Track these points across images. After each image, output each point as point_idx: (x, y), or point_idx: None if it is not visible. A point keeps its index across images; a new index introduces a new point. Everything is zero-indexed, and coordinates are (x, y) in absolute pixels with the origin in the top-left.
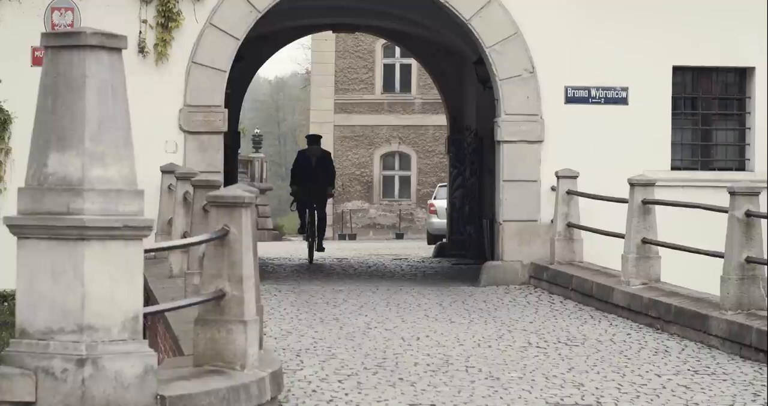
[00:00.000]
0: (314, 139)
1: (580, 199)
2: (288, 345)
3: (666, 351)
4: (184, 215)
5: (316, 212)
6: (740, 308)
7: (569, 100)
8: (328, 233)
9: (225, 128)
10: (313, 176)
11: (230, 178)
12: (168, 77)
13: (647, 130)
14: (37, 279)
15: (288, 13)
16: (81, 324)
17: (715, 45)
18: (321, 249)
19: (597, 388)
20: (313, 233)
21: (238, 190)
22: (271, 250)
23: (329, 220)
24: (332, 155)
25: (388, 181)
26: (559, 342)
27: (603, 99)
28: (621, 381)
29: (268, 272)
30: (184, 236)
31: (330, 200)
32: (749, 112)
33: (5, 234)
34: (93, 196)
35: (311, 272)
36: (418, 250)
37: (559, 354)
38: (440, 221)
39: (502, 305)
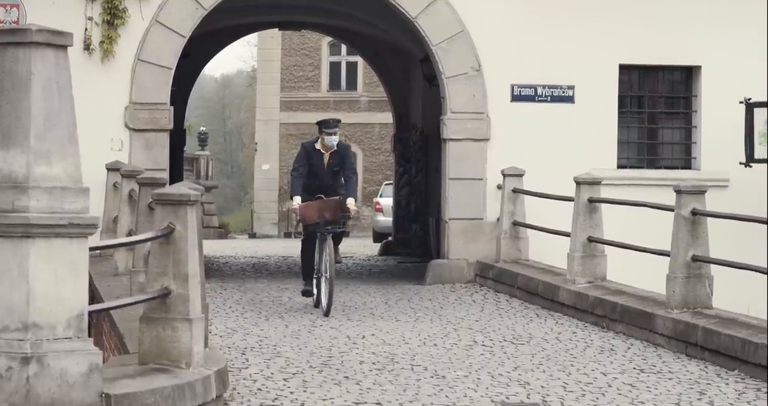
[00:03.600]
0: (335, 124)
1: (526, 197)
2: (233, 343)
3: (612, 350)
4: (129, 213)
5: (328, 242)
6: (686, 306)
7: (515, 98)
8: (272, 230)
9: (171, 126)
10: (325, 182)
11: (176, 176)
12: (114, 75)
13: (593, 129)
14: None
15: (234, 11)
16: (26, 322)
17: (661, 43)
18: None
19: (543, 386)
20: (322, 283)
21: (184, 188)
22: (217, 248)
23: (274, 217)
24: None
25: None
26: (505, 341)
27: (549, 97)
28: (566, 380)
29: (213, 270)
30: (130, 233)
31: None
32: (695, 111)
33: None
34: (38, 194)
35: (256, 270)
36: (363, 248)
37: (505, 353)
38: (386, 219)
39: (448, 304)
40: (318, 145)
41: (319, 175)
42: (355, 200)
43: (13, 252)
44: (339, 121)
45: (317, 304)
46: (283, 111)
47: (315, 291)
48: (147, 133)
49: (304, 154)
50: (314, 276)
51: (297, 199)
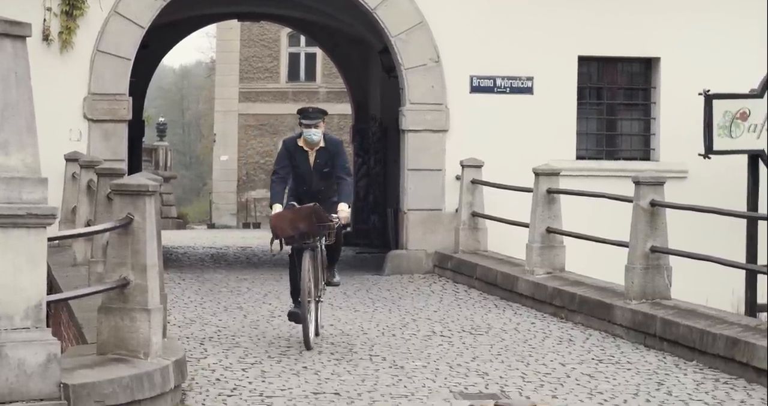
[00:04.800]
0: (314, 114)
1: (485, 188)
2: (192, 333)
3: (570, 340)
4: (88, 203)
5: (304, 259)
6: (645, 297)
7: (474, 89)
8: (231, 221)
9: (129, 116)
10: (314, 187)
11: (134, 167)
12: (72, 65)
13: (552, 120)
14: None
15: (193, 2)
16: None
17: (620, 35)
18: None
19: (501, 377)
20: (312, 306)
21: (142, 178)
22: (175, 238)
23: (232, 208)
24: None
25: None
26: (464, 331)
27: (508, 88)
28: (525, 370)
29: (172, 260)
30: (88, 224)
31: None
32: (654, 103)
33: None
34: None
35: (215, 260)
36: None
37: (464, 343)
38: None
39: (407, 294)
40: (301, 142)
41: (306, 178)
42: (349, 206)
43: None
44: (323, 111)
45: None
46: (242, 102)
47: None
48: (105, 124)
49: (284, 154)
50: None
51: (276, 208)
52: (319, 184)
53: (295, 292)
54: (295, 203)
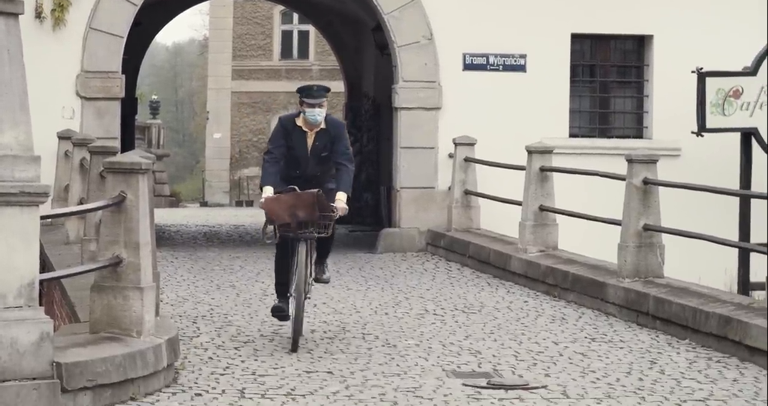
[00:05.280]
0: (318, 92)
1: (478, 166)
2: (184, 312)
3: (563, 319)
4: (80, 181)
5: (299, 251)
6: (637, 275)
7: (467, 67)
8: (224, 199)
9: (122, 94)
10: (309, 171)
11: (127, 145)
12: (65, 43)
13: (545, 98)
14: None
15: None
16: None
17: (613, 13)
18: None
19: (494, 355)
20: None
21: (135, 156)
22: (168, 216)
23: (225, 186)
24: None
25: None
26: (456, 310)
27: (501, 66)
28: (518, 349)
29: (164, 238)
30: (81, 202)
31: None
32: (647, 80)
33: None
34: None
35: (208, 238)
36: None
37: (456, 322)
38: None
39: (399, 273)
40: (299, 121)
41: (301, 161)
42: (348, 197)
43: None
44: (327, 89)
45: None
46: (235, 79)
47: (290, 311)
48: (98, 102)
49: (280, 132)
50: (289, 293)
51: (268, 191)
52: (315, 169)
53: (282, 286)
54: (296, 187)
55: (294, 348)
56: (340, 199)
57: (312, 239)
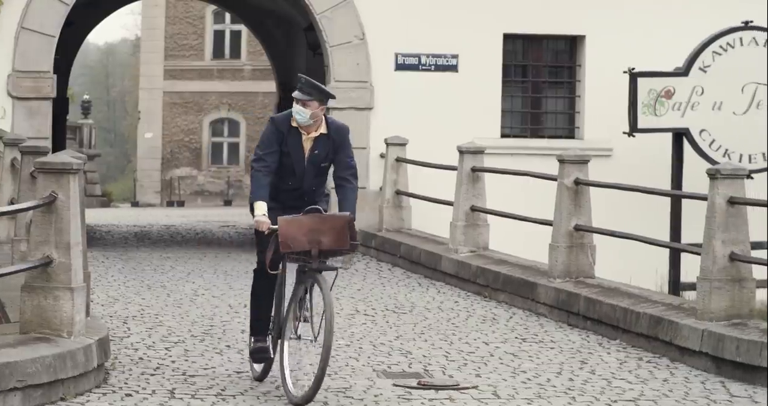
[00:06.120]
0: (307, 88)
1: (410, 166)
2: (115, 312)
3: (494, 319)
4: (11, 182)
5: (321, 282)
6: (568, 275)
7: (399, 67)
8: (155, 199)
9: (54, 94)
10: (305, 184)
11: (58, 145)
12: None
13: (477, 98)
14: None
15: None
16: None
17: (545, 13)
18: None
19: (425, 356)
20: (304, 350)
21: (66, 156)
22: (99, 217)
23: (156, 186)
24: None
25: (216, 148)
26: (387, 310)
27: (433, 66)
28: (449, 349)
29: (95, 238)
30: (12, 202)
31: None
32: (579, 81)
33: None
34: None
35: (139, 239)
36: (246, 217)
37: (387, 322)
38: None
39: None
40: (294, 122)
41: (296, 170)
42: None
43: None
44: (322, 91)
45: (264, 375)
46: (167, 79)
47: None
48: (30, 102)
49: (273, 135)
50: (269, 332)
51: (261, 208)
52: (312, 183)
53: (260, 324)
54: (320, 208)
55: (308, 401)
56: (347, 226)
57: (333, 272)
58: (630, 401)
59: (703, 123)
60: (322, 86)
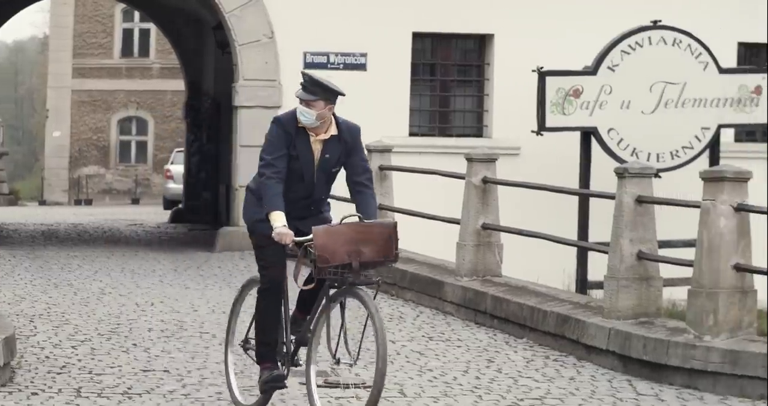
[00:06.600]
0: (311, 86)
1: None
2: (21, 310)
3: (401, 317)
4: None
5: (367, 300)
6: (476, 274)
7: (308, 65)
8: (62, 197)
9: None
10: (316, 191)
11: None
12: None
13: (386, 97)
14: None
15: None
16: None
17: (454, 12)
18: None
19: None
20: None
21: None
22: (6, 215)
23: (64, 184)
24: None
25: (124, 147)
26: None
27: (342, 65)
28: None
29: (2, 237)
30: None
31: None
32: (488, 79)
33: None
34: None
35: (46, 237)
36: (154, 215)
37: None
38: (176, 187)
39: (237, 271)
40: (300, 123)
41: (305, 176)
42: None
43: None
44: (328, 89)
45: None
46: (75, 78)
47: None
48: None
49: (282, 137)
50: (278, 357)
51: (280, 218)
52: (322, 190)
53: (270, 346)
54: (360, 215)
55: None
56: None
57: (372, 287)
58: (536, 399)
59: (612, 122)
60: (328, 83)
